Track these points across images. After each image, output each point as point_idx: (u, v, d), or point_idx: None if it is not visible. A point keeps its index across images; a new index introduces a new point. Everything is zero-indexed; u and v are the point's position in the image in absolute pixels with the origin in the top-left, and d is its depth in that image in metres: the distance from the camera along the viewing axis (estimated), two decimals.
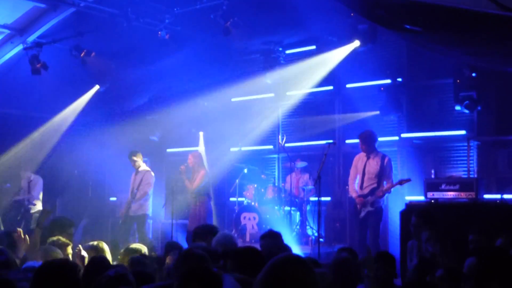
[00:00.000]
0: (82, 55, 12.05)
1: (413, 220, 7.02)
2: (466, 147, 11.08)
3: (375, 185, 9.66)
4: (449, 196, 8.92)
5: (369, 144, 9.86)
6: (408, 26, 8.56)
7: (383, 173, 9.68)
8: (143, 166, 12.23)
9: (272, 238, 6.18)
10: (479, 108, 10.65)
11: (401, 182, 9.58)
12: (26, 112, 13.90)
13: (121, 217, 12.14)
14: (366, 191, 9.68)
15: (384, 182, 9.69)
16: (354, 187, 9.91)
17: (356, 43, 11.23)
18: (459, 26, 7.59)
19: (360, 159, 9.98)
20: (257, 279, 2.91)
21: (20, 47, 12.36)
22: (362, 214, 9.64)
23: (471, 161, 11.05)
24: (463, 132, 11.18)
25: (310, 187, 11.90)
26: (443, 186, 9.03)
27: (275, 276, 2.80)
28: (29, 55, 12.16)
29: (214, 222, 11.74)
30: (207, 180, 11.49)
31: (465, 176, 10.78)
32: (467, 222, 7.96)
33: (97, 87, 13.63)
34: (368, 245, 9.47)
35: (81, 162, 14.70)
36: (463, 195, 8.82)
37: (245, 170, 12.64)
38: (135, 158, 12.06)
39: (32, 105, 13.57)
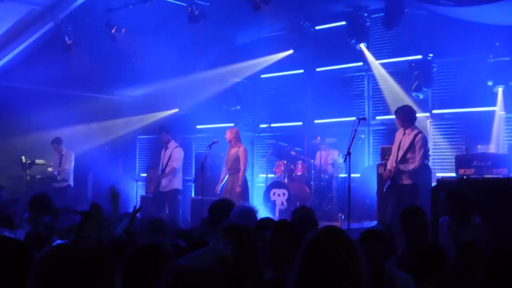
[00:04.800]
0: (112, 31, 12.12)
1: (442, 197, 6.96)
2: (498, 123, 10.93)
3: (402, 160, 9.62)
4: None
5: (403, 119, 9.69)
6: (442, 1, 8.44)
7: (410, 149, 9.56)
8: (172, 142, 12.31)
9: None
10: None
11: None
12: (59, 89, 14.06)
13: (152, 193, 12.27)
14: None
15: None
16: (391, 162, 9.82)
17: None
18: None
19: (399, 134, 9.88)
20: (298, 253, 2.92)
21: (51, 24, 12.46)
22: (384, 189, 9.71)
23: (503, 137, 10.91)
24: (495, 108, 11.03)
25: (340, 162, 11.86)
26: (474, 163, 8.93)
27: (314, 249, 2.81)
28: (61, 32, 12.26)
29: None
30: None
31: (497, 152, 10.65)
32: (500, 199, 7.89)
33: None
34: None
35: (112, 138, 14.88)
36: (495, 171, 8.73)
37: (275, 147, 12.65)
38: (164, 134, 12.15)
39: (64, 82, 13.71)
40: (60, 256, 2.12)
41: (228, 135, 11.66)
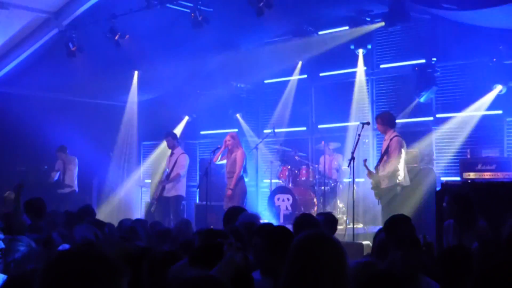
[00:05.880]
0: (116, 37, 12.14)
1: (446, 200, 6.94)
2: (502, 127, 10.92)
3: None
4: (485, 177, 8.81)
5: (381, 124, 9.83)
6: (445, 5, 8.45)
7: (385, 153, 9.67)
8: (178, 148, 12.33)
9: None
10: None
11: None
12: (63, 96, 14.10)
13: (155, 198, 12.28)
14: None
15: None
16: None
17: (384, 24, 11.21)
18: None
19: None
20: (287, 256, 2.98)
21: (55, 31, 12.50)
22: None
23: (508, 141, 10.89)
24: (499, 111, 11.02)
25: (344, 167, 11.84)
26: (479, 166, 8.92)
27: (299, 253, 2.92)
28: (65, 38, 12.31)
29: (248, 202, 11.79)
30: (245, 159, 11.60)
31: (502, 156, 10.63)
32: (505, 203, 7.86)
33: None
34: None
35: (116, 144, 14.91)
36: (500, 175, 8.71)
37: (279, 152, 12.63)
38: (170, 140, 12.17)
39: (68, 88, 13.75)
40: (68, 260, 2.12)
41: (231, 140, 11.64)
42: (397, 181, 9.56)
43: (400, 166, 9.55)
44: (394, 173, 9.54)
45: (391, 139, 9.67)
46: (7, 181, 13.10)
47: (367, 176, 9.83)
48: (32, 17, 12.19)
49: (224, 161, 11.58)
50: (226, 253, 3.45)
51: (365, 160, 10.19)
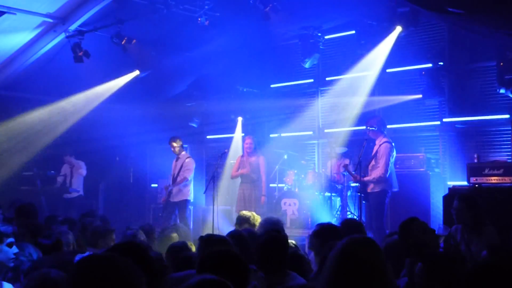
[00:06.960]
0: (123, 42, 12.17)
1: (455, 204, 6.92)
2: (510, 131, 10.88)
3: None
4: (492, 181, 8.78)
5: (371, 129, 9.80)
6: (450, 9, 8.43)
7: (374, 157, 9.65)
8: (184, 152, 12.33)
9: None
10: None
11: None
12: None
13: (162, 203, 12.28)
14: None
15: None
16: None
17: (398, 29, 11.05)
18: (504, 6, 7.45)
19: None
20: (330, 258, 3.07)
21: (62, 36, 12.54)
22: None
23: None
24: (507, 116, 10.98)
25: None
26: (486, 171, 8.88)
27: (343, 255, 2.99)
28: (72, 43, 12.34)
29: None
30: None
31: (509, 160, 10.60)
32: None
33: (136, 72, 13.66)
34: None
35: (122, 149, 14.92)
36: (507, 179, 8.67)
37: (285, 156, 12.62)
38: (175, 144, 12.15)
39: (75, 93, 13.78)
40: (95, 265, 2.18)
41: (252, 144, 11.69)
42: (384, 187, 9.54)
43: (387, 172, 9.52)
44: (380, 179, 9.51)
45: (380, 145, 9.65)
46: (14, 186, 13.16)
47: (352, 180, 9.81)
48: (39, 21, 12.22)
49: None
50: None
51: (346, 166, 10.18)
